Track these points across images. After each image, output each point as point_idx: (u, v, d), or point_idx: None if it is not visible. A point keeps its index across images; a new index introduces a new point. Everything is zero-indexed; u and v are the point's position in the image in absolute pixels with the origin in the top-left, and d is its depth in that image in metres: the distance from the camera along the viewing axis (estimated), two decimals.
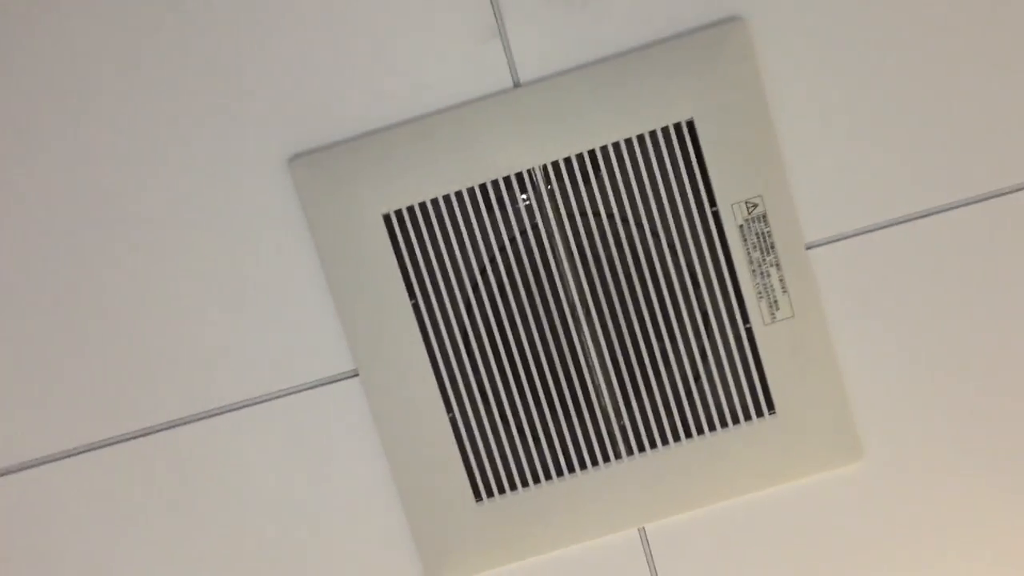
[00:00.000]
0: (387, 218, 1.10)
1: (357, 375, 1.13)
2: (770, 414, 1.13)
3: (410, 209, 1.10)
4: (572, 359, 1.11)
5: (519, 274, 1.11)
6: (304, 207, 1.09)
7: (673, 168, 1.10)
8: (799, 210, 1.11)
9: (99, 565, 1.12)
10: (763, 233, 1.10)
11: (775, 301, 1.11)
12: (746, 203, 1.09)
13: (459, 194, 1.10)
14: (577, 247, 1.10)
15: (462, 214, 1.10)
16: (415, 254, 1.11)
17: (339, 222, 1.09)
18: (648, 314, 1.11)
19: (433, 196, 1.10)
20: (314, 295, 1.11)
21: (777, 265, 1.10)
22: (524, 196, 1.09)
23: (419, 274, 1.11)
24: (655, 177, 1.10)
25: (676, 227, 1.10)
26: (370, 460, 1.13)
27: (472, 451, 1.13)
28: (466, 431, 1.13)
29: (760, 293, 1.11)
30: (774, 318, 1.11)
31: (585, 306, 1.11)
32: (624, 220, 1.10)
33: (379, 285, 1.10)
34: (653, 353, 1.11)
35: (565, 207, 1.10)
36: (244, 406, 1.12)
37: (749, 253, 1.11)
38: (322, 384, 1.13)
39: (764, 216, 1.10)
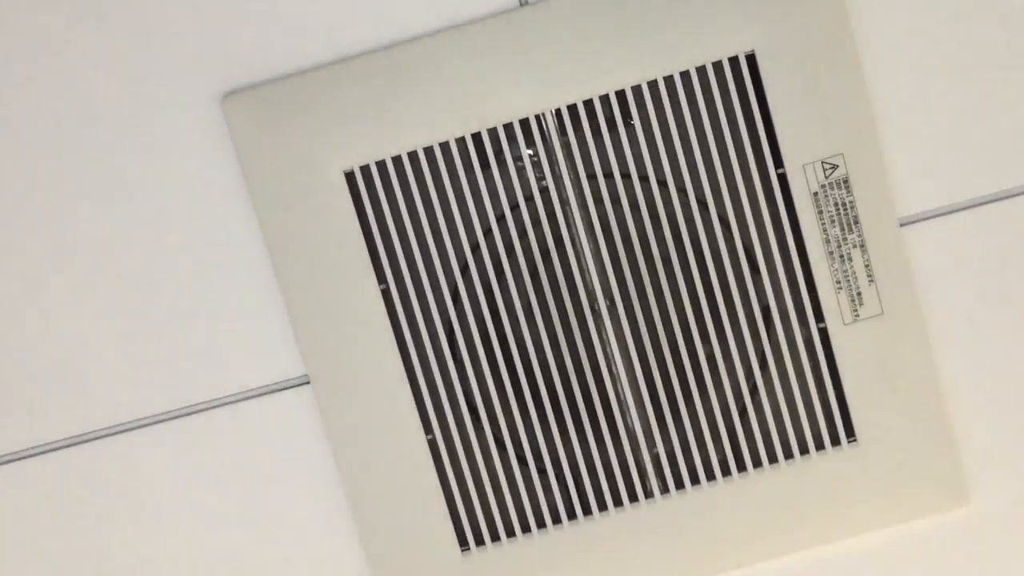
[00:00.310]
0: (350, 176, 0.98)
1: (308, 383, 1.02)
2: (849, 442, 1.01)
3: (380, 165, 0.98)
4: (591, 367, 1.00)
5: (522, 254, 0.99)
6: (241, 162, 0.97)
7: (727, 116, 0.98)
8: (892, 174, 1.00)
9: None
10: (844, 203, 0.97)
11: (858, 294, 0.98)
12: (823, 164, 0.97)
13: (445, 147, 0.97)
14: (599, 219, 0.98)
15: (449, 173, 0.98)
16: (386, 225, 0.99)
17: (287, 181, 0.97)
18: (691, 309, 0.99)
19: (411, 148, 0.97)
20: (254, 278, 1.01)
21: (862, 246, 0.98)
22: (531, 150, 0.98)
23: (391, 251, 0.99)
24: (703, 128, 0.98)
25: (730, 194, 0.99)
26: (323, 494, 1.04)
27: (458, 485, 1.01)
28: (450, 459, 1.01)
29: (839, 283, 0.98)
30: (856, 316, 0.98)
31: (609, 297, 0.98)
32: (661, 184, 0.98)
33: (338, 265, 0.99)
34: (697, 360, 1.00)
35: (584, 166, 0.99)
36: (158, 420, 1.02)
37: (825, 229, 0.97)
38: (262, 394, 1.03)
39: (846, 181, 0.97)
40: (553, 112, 0.96)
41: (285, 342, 1.01)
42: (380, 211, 0.98)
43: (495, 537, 1.01)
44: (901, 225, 0.99)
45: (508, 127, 0.97)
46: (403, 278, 0.99)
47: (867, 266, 0.98)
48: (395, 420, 1.00)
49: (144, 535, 1.04)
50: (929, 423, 1.00)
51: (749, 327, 0.99)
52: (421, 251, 0.99)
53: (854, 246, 0.97)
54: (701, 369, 0.99)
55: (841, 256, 0.98)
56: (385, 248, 0.98)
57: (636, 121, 0.97)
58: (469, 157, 0.98)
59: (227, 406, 1.02)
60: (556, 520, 1.00)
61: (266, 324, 1.01)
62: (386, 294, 0.99)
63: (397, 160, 0.97)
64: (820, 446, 1.01)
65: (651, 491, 1.01)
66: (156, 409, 1.02)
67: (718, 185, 0.98)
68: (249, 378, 1.01)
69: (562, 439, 1.00)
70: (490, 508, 1.01)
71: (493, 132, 0.97)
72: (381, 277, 0.98)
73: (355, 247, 0.98)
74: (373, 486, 1.00)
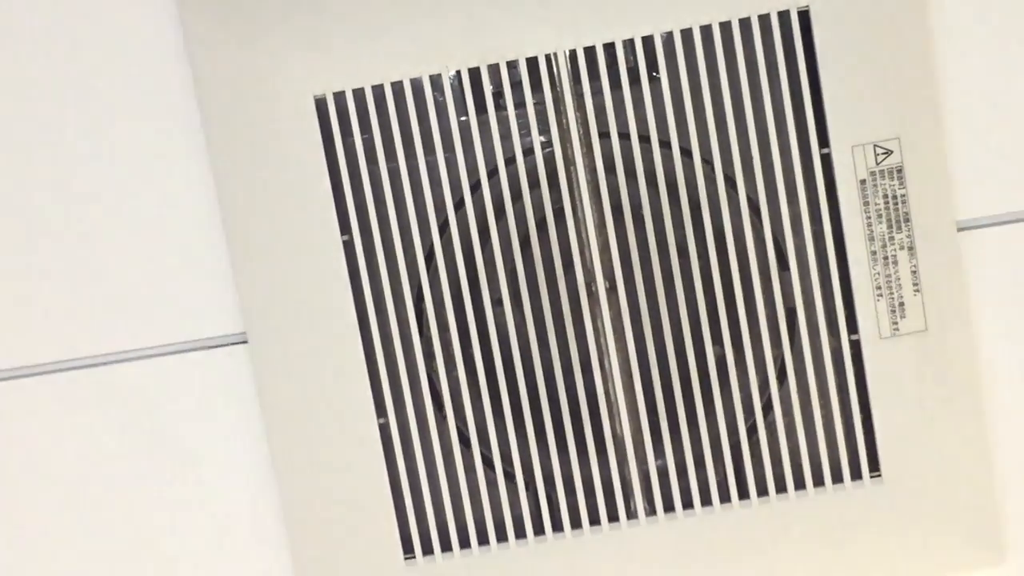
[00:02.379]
0: (321, 103, 0.93)
1: (244, 342, 0.98)
2: (872, 478, 0.97)
3: (358, 94, 0.93)
4: (580, 359, 0.96)
5: (514, 218, 0.94)
6: (195, 76, 0.92)
7: (769, 80, 0.93)
8: (955, 169, 0.97)
9: None
10: (895, 196, 0.93)
11: (901, 304, 0.94)
12: (875, 147, 0.92)
13: (436, 80, 0.92)
14: (608, 186, 0.94)
15: (437, 112, 0.93)
16: (357, 165, 0.94)
17: (246, 103, 0.92)
18: (704, 302, 0.94)
19: (396, 78, 0.91)
20: (194, 214, 0.96)
21: (911, 248, 0.93)
22: (536, 97, 0.92)
23: (360, 197, 0.94)
24: (739, 91, 0.93)
25: (763, 173, 0.94)
26: (248, 473, 1.00)
27: (409, 482, 0.98)
28: (403, 450, 0.97)
29: (879, 289, 0.94)
30: (896, 330, 0.94)
31: (609, 279, 0.94)
32: (685, 153, 0.93)
33: (296, 207, 0.93)
34: (705, 364, 0.96)
35: (597, 121, 0.93)
36: (61, 368, 0.98)
37: (870, 225, 0.93)
38: (187, 350, 0.98)
39: (900, 170, 0.92)
40: (567, 54, 0.91)
41: (223, 292, 0.97)
42: (352, 148, 0.93)
43: (446, 546, 0.95)
44: (959, 230, 0.95)
45: (512, 65, 0.91)
46: (370, 230, 0.93)
47: (914, 272, 0.93)
48: (344, 397, 0.95)
49: (38, 494, 1.00)
50: (968, 465, 0.97)
51: (769, 331, 0.94)
52: (395, 200, 0.93)
53: (901, 248, 0.93)
54: (708, 375, 0.95)
55: (885, 258, 0.93)
56: (353, 192, 0.93)
57: (663, 75, 0.91)
58: (463, 95, 0.92)
59: (144, 360, 0.98)
60: (520, 534, 0.96)
61: (203, 270, 0.97)
62: (348, 247, 0.93)
63: (378, 90, 0.92)
64: (838, 479, 0.97)
65: (635, 511, 0.96)
66: (62, 355, 0.98)
67: (750, 160, 0.93)
68: (175, 330, 0.97)
69: (537, 442, 0.95)
70: (444, 512, 0.97)
71: (494, 69, 0.91)
72: (345, 226, 0.93)
73: (318, 187, 0.92)
74: (308, 471, 0.95)
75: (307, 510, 0.96)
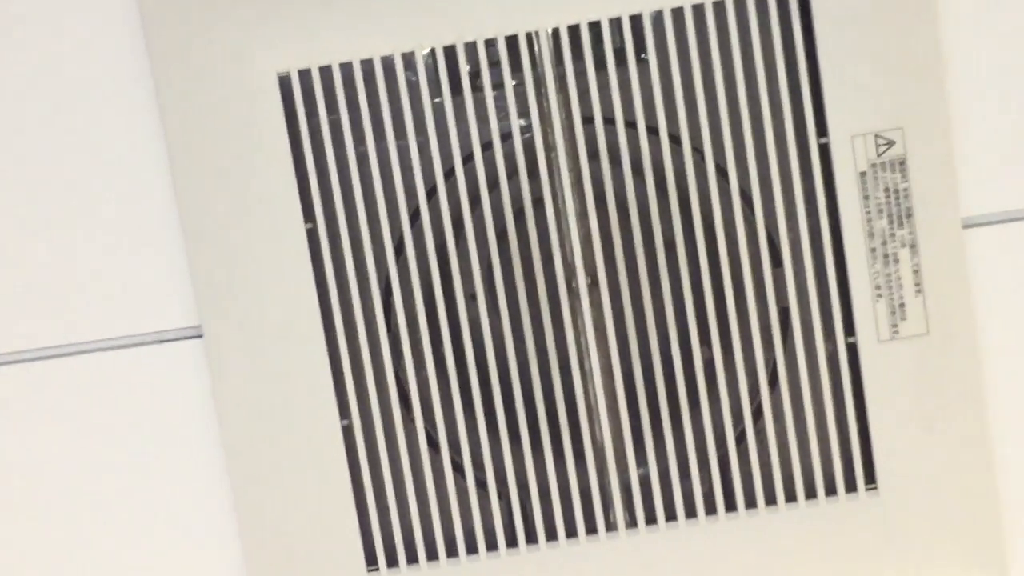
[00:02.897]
0: (285, 81, 0.91)
1: (200, 336, 0.96)
2: (868, 490, 0.96)
3: (325, 72, 0.91)
4: (559, 360, 0.94)
5: (491, 207, 0.92)
6: (150, 49, 0.89)
7: (765, 63, 0.92)
8: (962, 162, 0.95)
9: None
10: (897, 190, 0.91)
11: (901, 305, 0.92)
12: (876, 138, 0.91)
13: (408, 59, 0.90)
14: (591, 175, 0.93)
15: (409, 93, 0.91)
16: (323, 148, 0.93)
17: (204, 80, 0.90)
18: (692, 301, 0.93)
19: (366, 55, 0.90)
20: (148, 198, 0.93)
21: (913, 246, 0.92)
22: (515, 78, 0.91)
23: (325, 182, 0.93)
24: (733, 75, 0.92)
25: (756, 162, 0.93)
26: (200, 477, 0.98)
27: (374, 489, 0.96)
28: (368, 455, 0.95)
29: (878, 289, 0.92)
30: (895, 332, 0.92)
31: (591, 274, 0.92)
32: (673, 140, 0.92)
33: (256, 193, 0.91)
34: (691, 367, 0.94)
35: (581, 105, 0.92)
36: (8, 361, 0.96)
37: (870, 220, 0.92)
38: (139, 343, 0.96)
39: (903, 163, 0.91)
40: (549, 33, 0.90)
41: (177, 283, 0.94)
42: (318, 130, 0.91)
43: (412, 559, 0.95)
44: (965, 227, 0.94)
45: (491, 44, 0.90)
46: (335, 218, 0.92)
47: (916, 272, 0.92)
48: (305, 397, 0.93)
49: None
50: (970, 478, 0.96)
51: (761, 332, 0.93)
52: (363, 187, 0.92)
53: (903, 245, 0.92)
54: (695, 378, 0.93)
55: (885, 256, 0.92)
56: (318, 177, 0.92)
57: (651, 57, 0.90)
58: (437, 75, 0.90)
59: (90, 354, 0.96)
60: (492, 546, 0.95)
61: (156, 258, 0.94)
62: (312, 236, 0.92)
63: (347, 68, 0.90)
64: (831, 491, 0.97)
65: (614, 523, 0.96)
66: (7, 347, 0.96)
67: (743, 149, 0.92)
68: (126, 322, 0.95)
69: (512, 447, 0.94)
70: (410, 522, 0.96)
71: (471, 48, 0.90)
72: (308, 214, 0.92)
73: (280, 172, 0.90)
74: (265, 476, 0.94)
75: (263, 518, 0.95)
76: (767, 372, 0.95)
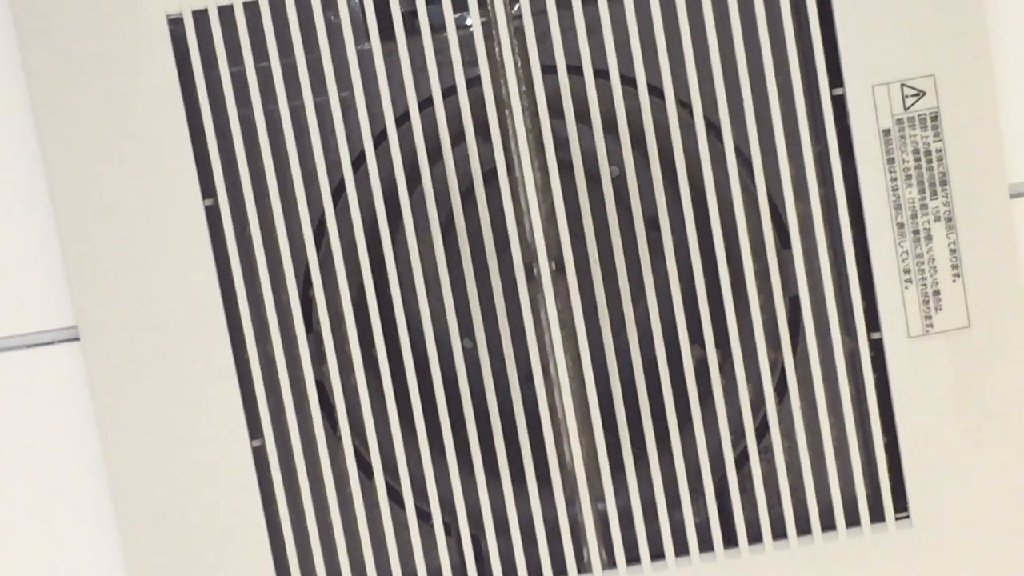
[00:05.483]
0: (176, 25, 0.86)
1: (77, 339, 0.91)
2: (899, 520, 0.90)
3: (226, 12, 0.86)
4: (518, 365, 0.89)
5: (431, 180, 0.87)
6: None
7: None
8: (1007, 117, 0.90)
9: None
10: (929, 151, 0.87)
11: (935, 292, 0.88)
12: (903, 87, 0.86)
13: None
14: (555, 136, 0.88)
15: (331, 38, 0.86)
16: (224, 108, 0.87)
17: (74, 23, 0.85)
18: (680, 290, 0.88)
19: None
20: (12, 176, 0.88)
21: (948, 220, 0.87)
22: (462, 17, 0.86)
23: (227, 149, 0.87)
24: (726, 14, 0.87)
25: (758, 119, 0.87)
26: (83, 510, 0.91)
27: (292, 521, 0.90)
28: (285, 481, 0.90)
29: (907, 273, 0.88)
30: (930, 326, 0.88)
31: (555, 258, 0.88)
32: (655, 93, 0.87)
33: (143, 164, 0.86)
34: (681, 372, 0.89)
35: (540, 52, 0.87)
36: None
37: (896, 188, 0.87)
38: (6, 348, 0.92)
39: (935, 117, 0.86)
40: None
41: (49, 277, 0.91)
42: (217, 85, 0.88)
43: None
44: (1013, 196, 0.91)
45: None
46: (240, 194, 0.88)
47: (953, 252, 0.90)
48: (207, 412, 0.90)
49: None
50: (1019, 503, 0.91)
51: (766, 328, 0.90)
52: (274, 155, 0.88)
53: (937, 219, 0.89)
54: (686, 386, 0.89)
55: (916, 232, 0.89)
56: (219, 142, 0.88)
57: None
58: (364, 16, 0.87)
59: None
60: None
61: (24, 249, 0.90)
62: (212, 214, 0.88)
63: (252, 7, 0.87)
64: (853, 521, 0.92)
65: (588, 563, 0.92)
66: None
67: (740, 104, 0.89)
68: None
69: (461, 471, 0.91)
70: (336, 562, 0.92)
71: None
72: (208, 188, 0.88)
73: (173, 137, 0.87)
74: (159, 507, 0.91)
75: (157, 556, 0.91)
76: (773, 378, 0.91)
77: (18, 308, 0.93)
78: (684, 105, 0.89)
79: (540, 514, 0.92)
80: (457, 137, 0.89)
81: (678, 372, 0.90)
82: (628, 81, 0.89)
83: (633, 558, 0.92)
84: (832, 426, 0.92)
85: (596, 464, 0.92)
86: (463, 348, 0.92)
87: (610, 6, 0.89)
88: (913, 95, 0.88)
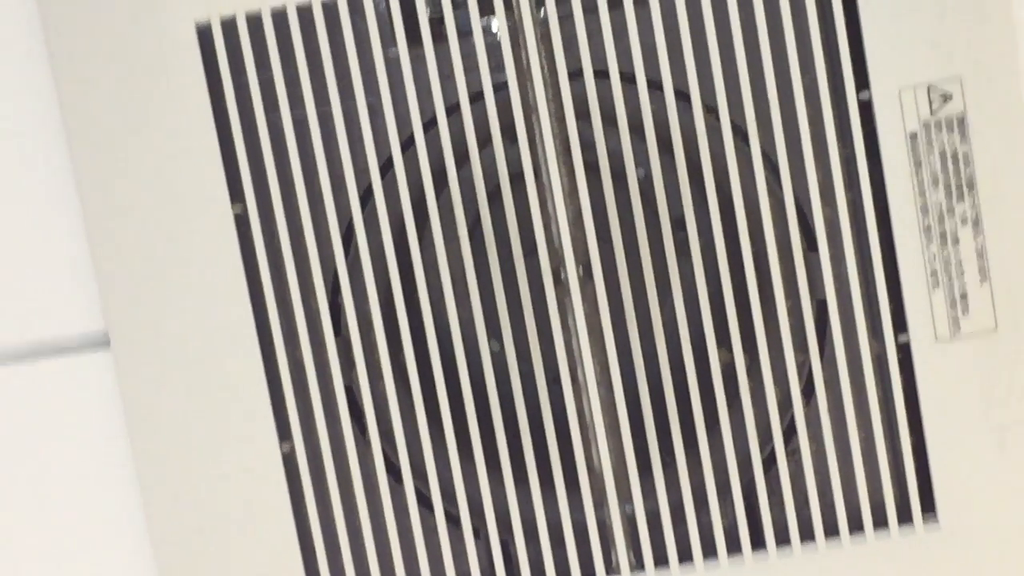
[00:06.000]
0: (205, 34, 0.86)
1: (108, 345, 0.90)
2: (927, 522, 0.89)
3: (254, 22, 0.86)
4: (546, 370, 0.89)
5: (459, 184, 0.87)
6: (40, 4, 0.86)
7: (792, 5, 0.87)
8: None
9: None
10: (956, 155, 0.86)
11: (963, 296, 0.87)
12: (930, 91, 0.85)
13: (355, 4, 0.86)
14: (582, 140, 0.88)
15: (358, 44, 0.86)
16: (253, 115, 0.87)
17: (108, 38, 0.84)
18: (707, 294, 0.87)
19: (304, 1, 0.85)
20: (42, 181, 0.88)
21: (976, 223, 0.86)
22: (487, 20, 0.85)
23: (256, 157, 0.87)
24: (752, 19, 0.86)
25: (783, 125, 0.87)
26: (110, 515, 0.91)
27: (322, 526, 0.90)
28: (315, 485, 0.90)
29: (935, 276, 0.87)
30: (957, 329, 0.87)
31: (583, 262, 0.87)
32: (682, 98, 0.87)
33: (173, 172, 0.86)
34: (708, 376, 0.89)
35: (567, 57, 0.87)
36: None
37: (923, 192, 0.86)
38: (38, 354, 0.91)
39: (962, 121, 0.86)
40: None
41: (79, 284, 0.91)
42: (246, 91, 0.87)
43: None
44: None
45: None
46: (269, 200, 0.88)
47: (981, 255, 0.89)
48: (236, 418, 0.89)
49: None
50: None
51: (793, 332, 0.89)
52: (303, 162, 0.88)
53: (964, 222, 0.88)
54: (713, 390, 0.89)
55: (943, 235, 0.88)
56: (248, 149, 0.87)
57: None
58: (391, 24, 0.87)
59: None
60: None
61: (55, 255, 0.90)
62: (241, 222, 0.88)
63: (280, 16, 0.86)
64: (881, 523, 0.91)
65: (616, 567, 0.91)
66: None
67: (767, 109, 0.88)
68: (20, 330, 0.91)
69: (490, 476, 0.90)
70: (366, 566, 0.91)
71: None
72: (237, 195, 0.88)
73: (202, 144, 0.87)
74: (190, 514, 0.90)
75: (188, 563, 0.90)
76: (801, 381, 0.90)
77: (48, 314, 0.93)
78: (710, 109, 0.89)
79: (568, 517, 0.91)
80: (484, 142, 0.88)
81: (705, 375, 0.90)
82: (655, 86, 0.89)
83: (661, 561, 0.92)
84: (859, 428, 0.91)
85: (624, 467, 0.91)
86: (491, 351, 0.90)
87: (636, 11, 0.87)
88: (941, 99, 0.88)
